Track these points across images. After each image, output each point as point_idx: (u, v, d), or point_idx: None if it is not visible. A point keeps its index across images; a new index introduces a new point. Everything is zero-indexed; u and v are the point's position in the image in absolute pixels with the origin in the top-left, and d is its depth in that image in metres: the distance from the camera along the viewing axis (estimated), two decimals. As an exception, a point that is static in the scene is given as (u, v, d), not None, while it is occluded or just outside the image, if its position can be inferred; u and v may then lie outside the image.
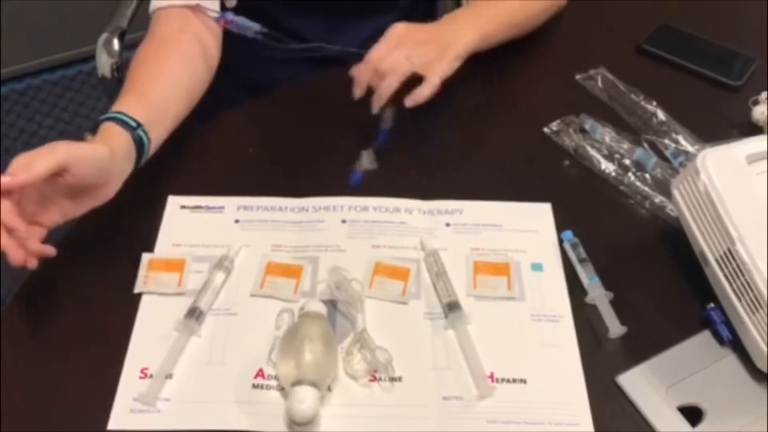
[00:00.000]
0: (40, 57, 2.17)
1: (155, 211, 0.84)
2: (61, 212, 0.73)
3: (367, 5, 1.02)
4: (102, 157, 0.73)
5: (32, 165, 0.67)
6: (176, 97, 0.86)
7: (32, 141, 2.04)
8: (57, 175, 0.69)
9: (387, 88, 0.85)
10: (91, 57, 1.10)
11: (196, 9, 0.90)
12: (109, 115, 0.77)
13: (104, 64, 1.07)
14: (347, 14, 1.02)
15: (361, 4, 1.01)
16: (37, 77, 2.20)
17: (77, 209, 0.74)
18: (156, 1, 0.91)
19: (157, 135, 0.81)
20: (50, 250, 0.70)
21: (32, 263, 0.68)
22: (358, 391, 0.70)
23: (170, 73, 0.87)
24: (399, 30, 0.88)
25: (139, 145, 0.78)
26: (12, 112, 2.11)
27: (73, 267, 0.80)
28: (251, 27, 0.90)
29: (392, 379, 0.71)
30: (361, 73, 0.86)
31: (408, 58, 0.85)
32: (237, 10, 0.93)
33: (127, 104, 0.79)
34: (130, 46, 1.13)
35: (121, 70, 1.07)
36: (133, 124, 0.77)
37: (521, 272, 0.79)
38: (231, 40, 0.94)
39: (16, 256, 0.67)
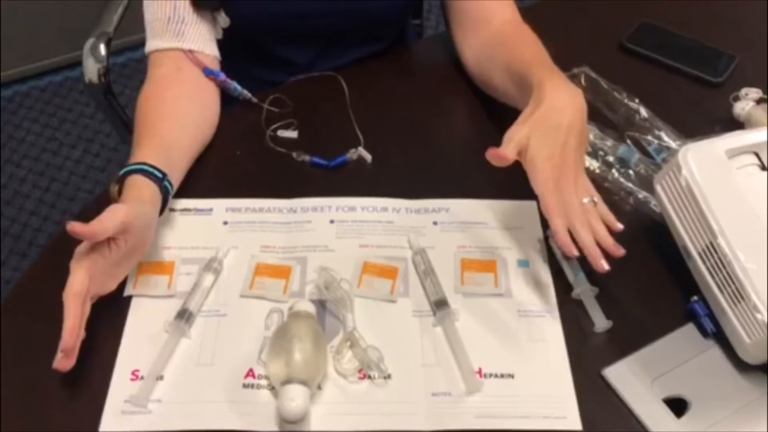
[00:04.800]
0: (27, 64, 2.17)
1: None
2: (106, 285, 0.74)
3: (353, 35, 1.04)
4: (149, 214, 0.74)
5: (98, 224, 0.68)
6: (188, 134, 0.87)
7: (20, 148, 2.04)
8: (113, 239, 0.70)
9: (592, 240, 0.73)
10: (78, 63, 1.11)
11: (189, 55, 0.91)
12: (134, 167, 0.77)
13: (91, 70, 1.07)
14: (334, 42, 1.03)
15: (347, 34, 1.03)
16: (24, 84, 2.19)
17: (119, 277, 0.75)
18: (151, 42, 0.92)
19: (176, 178, 0.82)
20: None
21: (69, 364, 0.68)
22: (348, 389, 0.71)
23: (178, 112, 0.88)
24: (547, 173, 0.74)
25: (164, 195, 0.78)
26: (-1, 119, 2.11)
27: (64, 271, 0.80)
28: (239, 91, 0.94)
29: (382, 377, 0.71)
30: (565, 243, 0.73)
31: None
32: (226, 38, 0.95)
33: (147, 153, 0.79)
34: (117, 52, 1.14)
35: (107, 75, 1.08)
36: (160, 175, 0.77)
37: (508, 269, 0.80)
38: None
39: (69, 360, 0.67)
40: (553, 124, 0.76)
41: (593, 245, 0.72)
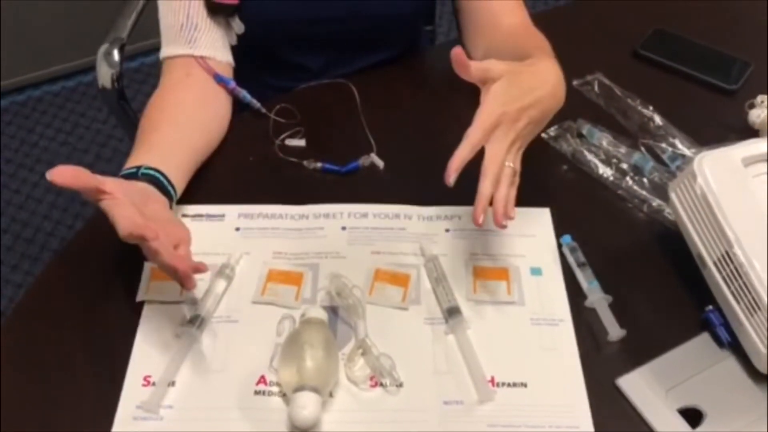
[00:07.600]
0: (40, 69, 2.18)
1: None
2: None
3: (366, 41, 1.04)
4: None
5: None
6: (189, 137, 0.86)
7: (33, 152, 2.05)
8: None
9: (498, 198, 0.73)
10: (91, 68, 1.11)
11: (201, 62, 0.91)
12: (126, 172, 0.77)
13: (104, 75, 1.07)
14: (346, 48, 1.04)
15: (359, 40, 1.03)
16: (37, 89, 2.21)
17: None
18: (165, 49, 0.92)
19: (179, 180, 0.81)
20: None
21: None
22: (360, 397, 0.71)
23: (179, 116, 0.87)
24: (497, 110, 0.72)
25: (165, 193, 0.78)
26: (13, 123, 2.12)
27: (76, 276, 0.81)
28: (248, 100, 0.94)
29: (394, 385, 0.71)
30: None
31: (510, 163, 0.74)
32: (239, 44, 0.96)
33: (141, 158, 0.79)
34: (130, 57, 1.15)
35: (120, 80, 1.08)
36: (153, 173, 0.77)
37: (520, 277, 0.80)
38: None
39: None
40: (528, 85, 0.75)
41: (503, 200, 0.72)
